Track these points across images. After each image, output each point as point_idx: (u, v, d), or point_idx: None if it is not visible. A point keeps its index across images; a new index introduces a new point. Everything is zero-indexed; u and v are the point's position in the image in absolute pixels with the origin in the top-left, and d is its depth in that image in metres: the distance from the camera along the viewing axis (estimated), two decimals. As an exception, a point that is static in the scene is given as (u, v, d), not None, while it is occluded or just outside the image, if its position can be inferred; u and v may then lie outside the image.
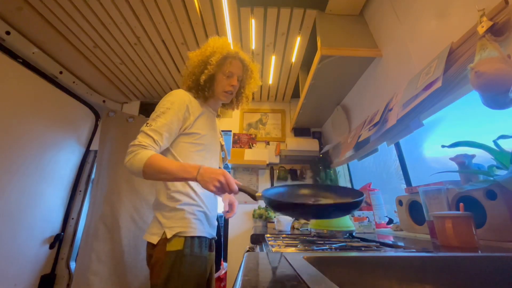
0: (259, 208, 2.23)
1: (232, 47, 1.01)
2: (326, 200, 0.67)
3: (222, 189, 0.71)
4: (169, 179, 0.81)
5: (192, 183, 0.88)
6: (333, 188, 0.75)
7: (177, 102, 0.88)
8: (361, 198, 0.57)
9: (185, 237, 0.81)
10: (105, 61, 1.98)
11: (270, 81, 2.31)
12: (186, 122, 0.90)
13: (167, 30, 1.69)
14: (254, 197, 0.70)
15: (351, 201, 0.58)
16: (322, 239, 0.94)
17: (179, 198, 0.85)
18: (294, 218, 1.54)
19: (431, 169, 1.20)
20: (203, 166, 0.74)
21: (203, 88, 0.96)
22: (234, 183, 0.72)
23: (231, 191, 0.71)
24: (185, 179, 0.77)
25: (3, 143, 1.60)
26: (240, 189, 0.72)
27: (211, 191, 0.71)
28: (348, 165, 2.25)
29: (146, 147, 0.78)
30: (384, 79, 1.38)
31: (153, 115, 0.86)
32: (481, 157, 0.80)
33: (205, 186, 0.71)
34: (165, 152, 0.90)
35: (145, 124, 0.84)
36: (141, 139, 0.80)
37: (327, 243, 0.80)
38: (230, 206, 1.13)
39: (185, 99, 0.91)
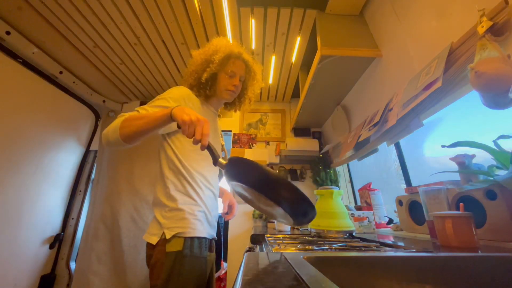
0: (259, 208, 2.23)
1: (236, 48, 1.01)
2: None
3: (194, 127, 0.63)
4: (147, 127, 0.73)
5: (192, 183, 0.88)
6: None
7: (174, 94, 0.88)
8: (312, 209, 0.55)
9: (185, 237, 0.81)
10: (105, 61, 1.98)
11: (270, 81, 2.31)
12: None
13: (167, 30, 1.69)
14: (216, 159, 0.65)
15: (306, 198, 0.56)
16: (322, 239, 0.93)
17: (178, 197, 0.85)
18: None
19: (431, 169, 1.20)
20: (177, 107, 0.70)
21: (205, 86, 0.96)
22: (208, 134, 0.64)
23: (200, 136, 0.63)
24: (162, 119, 0.70)
25: (3, 143, 1.60)
26: (208, 146, 0.65)
27: (183, 121, 0.64)
28: (348, 165, 2.25)
29: (125, 115, 0.78)
30: (384, 79, 1.38)
31: (146, 105, 0.86)
32: (481, 157, 0.80)
33: (180, 115, 0.65)
34: (165, 148, 0.90)
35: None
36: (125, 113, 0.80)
37: (327, 243, 0.79)
38: (230, 207, 1.12)
39: (183, 93, 0.90)
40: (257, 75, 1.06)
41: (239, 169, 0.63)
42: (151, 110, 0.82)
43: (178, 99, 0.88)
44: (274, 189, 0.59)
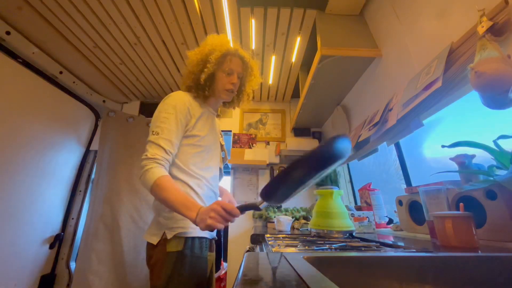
0: (259, 208, 2.23)
1: (231, 44, 1.00)
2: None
3: (221, 218, 0.66)
4: (169, 206, 0.75)
5: (193, 183, 0.87)
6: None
7: (179, 105, 0.87)
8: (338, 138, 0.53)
9: (185, 237, 0.81)
10: (105, 61, 1.98)
11: (270, 81, 2.31)
12: (188, 124, 0.89)
13: (167, 30, 1.69)
14: (258, 207, 0.67)
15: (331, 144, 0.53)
16: (322, 239, 0.93)
17: (179, 198, 0.85)
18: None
19: (431, 169, 1.20)
20: (203, 207, 0.70)
21: (203, 88, 0.95)
22: (231, 207, 0.67)
23: (232, 215, 0.67)
24: (185, 214, 0.72)
25: (3, 143, 1.60)
26: (242, 209, 0.69)
27: (209, 226, 0.66)
28: (348, 165, 2.25)
29: (157, 160, 0.78)
30: (384, 79, 1.38)
31: (156, 121, 0.84)
32: (481, 157, 0.80)
33: (203, 226, 0.67)
34: None
35: (151, 133, 0.82)
36: (151, 151, 0.79)
37: (327, 243, 0.79)
38: None
39: (185, 101, 0.90)
40: (254, 71, 1.05)
41: (273, 194, 0.64)
42: (172, 134, 0.83)
43: (183, 108, 0.88)
44: (308, 172, 0.59)
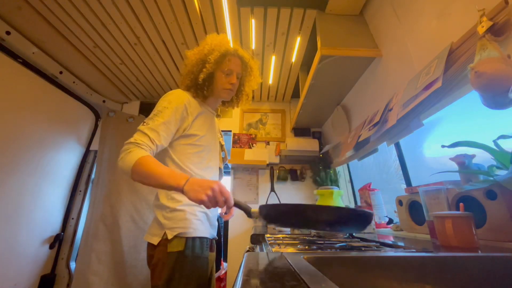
0: (259, 208, 2.23)
1: (231, 44, 1.00)
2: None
3: (215, 199, 0.64)
4: (154, 184, 0.72)
5: None
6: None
7: (175, 101, 0.87)
8: (368, 212, 0.57)
9: (186, 238, 0.81)
10: (105, 61, 1.98)
11: (270, 81, 2.31)
12: (185, 122, 0.88)
13: (167, 30, 1.69)
14: (250, 214, 0.67)
15: (360, 211, 0.58)
16: (322, 239, 0.93)
17: (180, 198, 0.85)
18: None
19: (431, 169, 1.20)
20: (193, 177, 0.69)
21: (202, 87, 0.95)
22: (229, 195, 0.66)
23: (225, 202, 0.66)
24: (171, 187, 0.69)
25: (3, 143, 1.60)
26: (236, 204, 0.69)
27: (201, 201, 0.64)
28: (348, 165, 2.25)
29: (141, 145, 0.75)
30: (384, 79, 1.38)
31: (151, 114, 0.84)
32: (481, 157, 0.80)
33: (194, 195, 0.64)
34: (164, 155, 0.89)
35: (142, 123, 0.82)
36: (136, 137, 0.77)
37: (327, 243, 0.79)
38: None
39: (183, 98, 0.89)
40: (254, 71, 1.05)
41: (271, 214, 0.65)
42: (161, 126, 0.81)
43: (180, 104, 0.87)
44: (308, 220, 0.61)
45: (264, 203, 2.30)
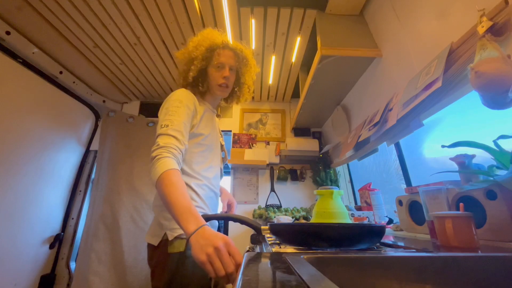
0: (259, 208, 2.23)
1: (218, 37, 0.97)
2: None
3: (214, 261, 0.51)
4: (167, 208, 0.65)
5: (194, 185, 0.87)
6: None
7: (185, 100, 0.86)
8: (382, 225, 0.57)
9: (187, 239, 0.81)
10: (105, 61, 1.98)
11: (270, 81, 2.31)
12: (193, 121, 0.88)
13: (167, 30, 1.69)
14: (260, 231, 0.67)
15: (379, 226, 0.58)
16: (322, 239, 0.93)
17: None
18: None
19: (431, 169, 1.20)
20: (207, 226, 0.59)
21: (196, 84, 0.94)
22: (238, 252, 0.55)
23: (234, 261, 0.53)
24: (179, 225, 0.62)
25: (3, 143, 1.60)
26: (246, 223, 0.66)
27: (201, 262, 0.52)
28: (348, 165, 2.25)
29: (171, 149, 0.71)
30: (384, 79, 1.38)
31: (164, 116, 0.80)
32: (481, 157, 0.80)
33: (195, 252, 0.54)
34: None
35: (159, 127, 0.77)
36: (163, 141, 0.72)
37: (327, 243, 0.79)
38: (229, 206, 1.12)
39: (190, 97, 0.89)
40: (250, 61, 1.03)
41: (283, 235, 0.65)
42: (182, 125, 0.78)
43: (190, 103, 0.86)
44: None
45: (264, 203, 2.30)
